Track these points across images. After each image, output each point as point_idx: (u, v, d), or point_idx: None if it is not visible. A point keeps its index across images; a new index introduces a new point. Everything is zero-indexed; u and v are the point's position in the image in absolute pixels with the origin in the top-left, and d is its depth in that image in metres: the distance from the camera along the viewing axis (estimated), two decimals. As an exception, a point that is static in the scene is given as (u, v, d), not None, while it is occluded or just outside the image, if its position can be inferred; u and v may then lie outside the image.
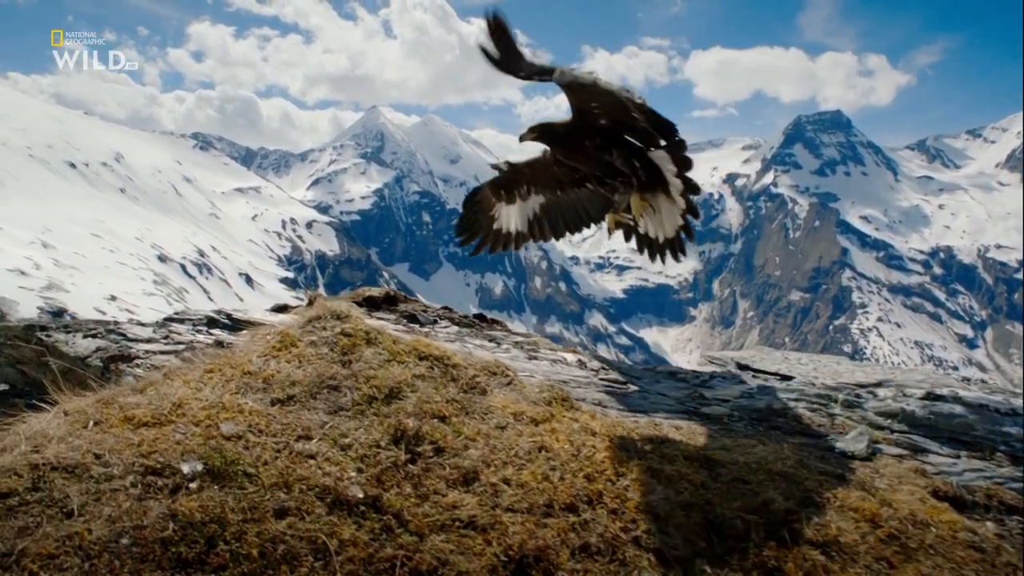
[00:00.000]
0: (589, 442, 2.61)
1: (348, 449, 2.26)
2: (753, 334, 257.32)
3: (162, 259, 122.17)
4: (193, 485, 1.92)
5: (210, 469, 1.99)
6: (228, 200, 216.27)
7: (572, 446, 2.55)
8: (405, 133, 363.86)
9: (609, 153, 3.86)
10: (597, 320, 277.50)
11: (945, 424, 3.64)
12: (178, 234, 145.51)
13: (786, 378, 4.70)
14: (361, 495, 2.04)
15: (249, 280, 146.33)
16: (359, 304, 4.77)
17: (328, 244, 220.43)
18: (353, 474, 2.14)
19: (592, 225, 4.57)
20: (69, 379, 2.97)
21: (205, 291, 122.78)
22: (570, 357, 4.52)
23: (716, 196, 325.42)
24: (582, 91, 3.47)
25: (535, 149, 4.26)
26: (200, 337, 4.28)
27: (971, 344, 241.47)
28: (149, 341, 4.28)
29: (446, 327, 4.85)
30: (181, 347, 4.13)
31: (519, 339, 4.81)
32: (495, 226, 4.83)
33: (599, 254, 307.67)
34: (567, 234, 4.74)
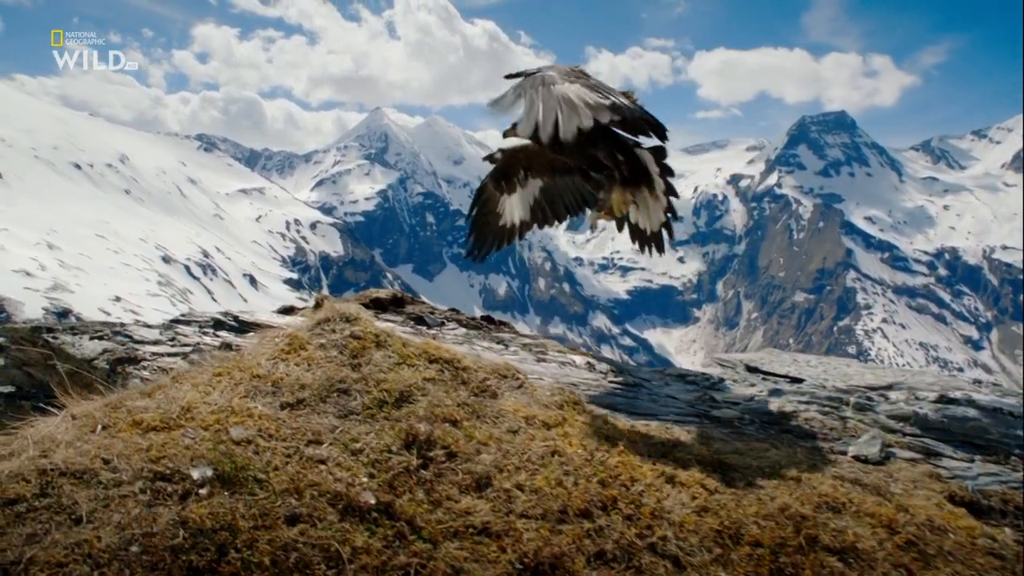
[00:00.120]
0: (602, 447, 2.57)
1: (359, 454, 2.23)
2: (757, 335, 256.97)
3: (166, 260, 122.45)
4: (203, 491, 1.89)
5: (220, 475, 1.96)
6: (232, 201, 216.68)
7: (585, 451, 2.52)
8: (409, 134, 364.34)
9: (594, 145, 3.83)
10: (601, 321, 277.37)
11: (958, 427, 3.60)
12: (182, 235, 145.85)
13: (796, 381, 4.66)
14: (373, 501, 2.00)
15: (253, 281, 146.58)
16: (366, 306, 4.75)
17: (332, 245, 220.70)
18: (365, 480, 2.11)
19: (591, 208, 4.51)
20: (75, 381, 2.95)
21: (209, 292, 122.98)
22: (579, 359, 4.48)
23: (720, 197, 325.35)
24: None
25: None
26: (207, 339, 4.26)
27: (976, 346, 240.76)
28: (155, 343, 4.26)
29: (453, 329, 4.83)
30: (188, 349, 4.11)
31: (527, 341, 4.78)
32: (500, 223, 4.80)
33: (603, 255, 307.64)
34: (568, 217, 4.67)
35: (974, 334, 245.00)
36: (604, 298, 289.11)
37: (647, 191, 3.95)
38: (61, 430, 2.13)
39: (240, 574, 1.71)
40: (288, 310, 5.03)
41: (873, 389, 4.41)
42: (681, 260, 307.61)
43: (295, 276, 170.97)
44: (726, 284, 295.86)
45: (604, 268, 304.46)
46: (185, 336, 4.34)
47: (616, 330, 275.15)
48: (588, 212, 4.42)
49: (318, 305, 4.67)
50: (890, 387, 4.55)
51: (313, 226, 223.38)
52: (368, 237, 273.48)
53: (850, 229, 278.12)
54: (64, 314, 67.60)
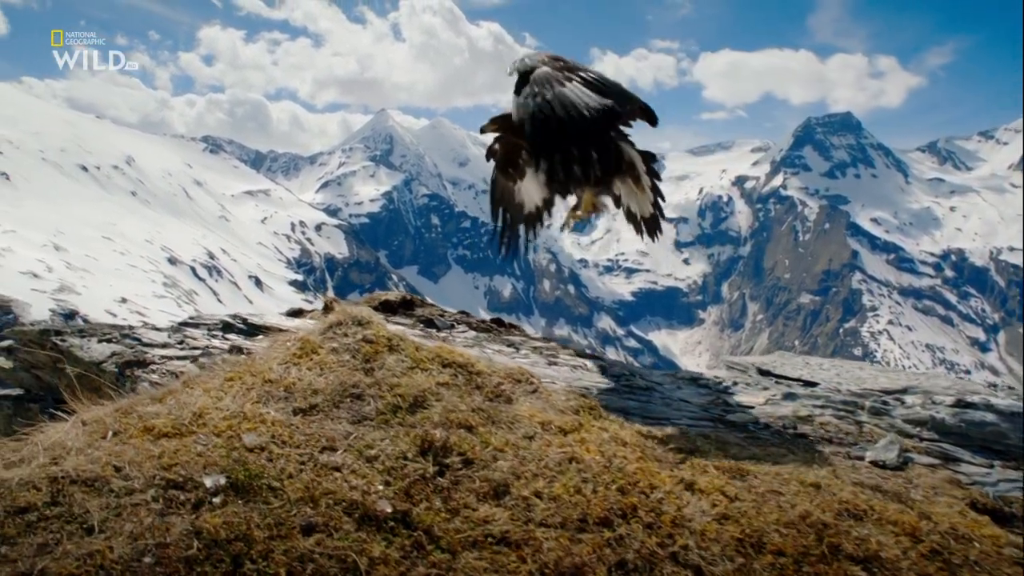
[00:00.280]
0: (620, 452, 2.53)
1: (374, 461, 2.19)
2: (762, 337, 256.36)
3: (172, 261, 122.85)
4: (216, 500, 1.85)
5: (233, 483, 1.92)
6: (238, 203, 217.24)
7: (603, 457, 2.47)
8: (414, 136, 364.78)
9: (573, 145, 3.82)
10: (606, 323, 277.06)
11: (976, 432, 3.55)
12: (188, 237, 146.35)
13: (810, 384, 4.61)
14: (390, 510, 1.96)
15: (258, 282, 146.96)
16: (375, 309, 4.71)
17: (337, 247, 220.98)
18: (380, 487, 2.06)
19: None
20: (84, 385, 2.92)
21: (215, 293, 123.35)
22: (590, 363, 4.44)
23: (725, 199, 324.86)
24: None
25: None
26: (216, 342, 4.23)
27: (983, 347, 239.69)
28: (164, 346, 4.23)
29: (464, 332, 4.79)
30: (197, 352, 4.08)
31: (538, 344, 4.74)
32: (525, 211, 4.72)
33: (608, 256, 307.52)
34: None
35: (981, 336, 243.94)
36: (609, 300, 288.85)
37: (632, 181, 3.93)
38: (71, 436, 2.10)
39: (256, 586, 1.67)
40: (297, 312, 5.00)
41: (888, 393, 4.36)
42: (686, 262, 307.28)
43: (300, 278, 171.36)
44: (731, 286, 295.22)
45: (609, 270, 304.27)
46: (194, 339, 4.31)
47: (621, 332, 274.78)
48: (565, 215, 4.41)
49: (327, 308, 4.63)
50: (905, 391, 4.50)
51: (318, 228, 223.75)
52: (373, 239, 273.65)
53: (856, 231, 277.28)
54: (71, 315, 67.86)
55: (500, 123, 3.99)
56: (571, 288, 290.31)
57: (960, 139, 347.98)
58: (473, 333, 4.78)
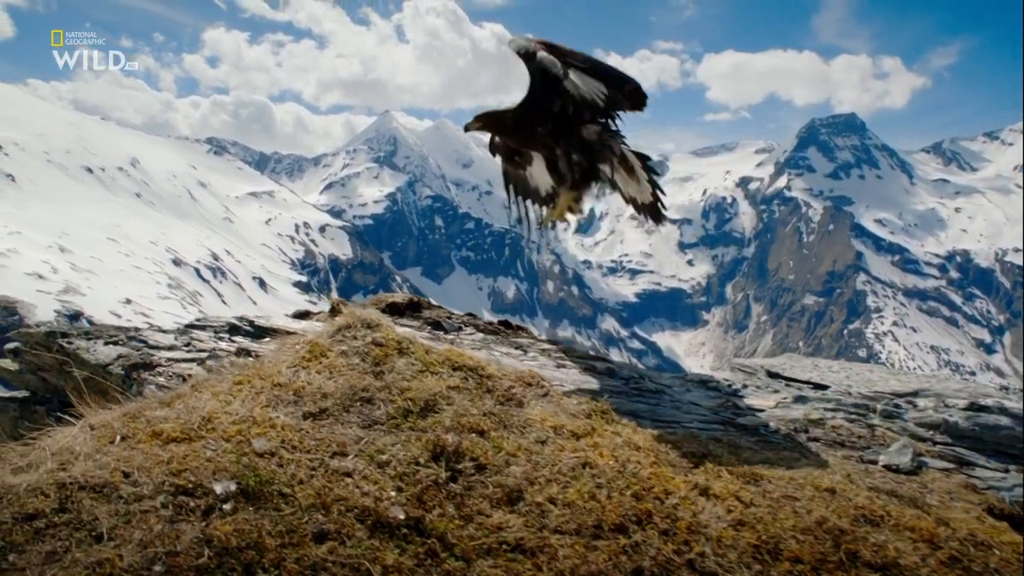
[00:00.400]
0: (634, 457, 2.50)
1: (386, 466, 2.16)
2: (766, 339, 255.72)
3: (177, 263, 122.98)
4: (227, 507, 1.82)
5: (244, 489, 1.89)
6: (242, 204, 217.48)
7: (617, 462, 2.44)
8: (418, 137, 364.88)
9: (557, 144, 3.79)
10: (609, 324, 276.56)
11: (990, 436, 3.52)
12: (192, 238, 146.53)
13: (820, 387, 4.57)
14: (403, 517, 1.93)
15: (263, 284, 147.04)
16: (382, 311, 4.68)
17: (341, 248, 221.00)
18: (393, 494, 2.03)
19: None
20: (90, 387, 2.89)
21: (219, 295, 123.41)
22: (599, 365, 4.40)
23: (729, 200, 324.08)
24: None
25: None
26: (222, 344, 4.20)
27: (989, 349, 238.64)
28: (171, 348, 4.21)
29: (471, 334, 4.75)
30: (204, 355, 4.05)
31: (546, 346, 4.70)
32: (542, 195, 4.72)
33: (611, 258, 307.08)
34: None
35: (986, 337, 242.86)
36: (613, 301, 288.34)
37: (625, 172, 3.92)
38: (79, 441, 2.07)
39: (268, 596, 1.64)
40: (303, 315, 4.97)
41: (899, 396, 4.33)
42: (690, 263, 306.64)
43: (304, 279, 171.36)
44: (735, 287, 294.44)
45: (613, 271, 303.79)
46: (200, 341, 4.29)
47: (625, 333, 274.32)
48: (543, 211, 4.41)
49: (334, 310, 4.61)
50: (916, 393, 4.47)
51: (322, 229, 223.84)
52: (377, 240, 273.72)
53: (860, 232, 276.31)
54: (75, 317, 68.00)
55: (485, 120, 3.99)
56: (575, 289, 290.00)
57: (965, 140, 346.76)
58: (481, 335, 4.74)
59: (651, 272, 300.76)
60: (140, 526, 1.71)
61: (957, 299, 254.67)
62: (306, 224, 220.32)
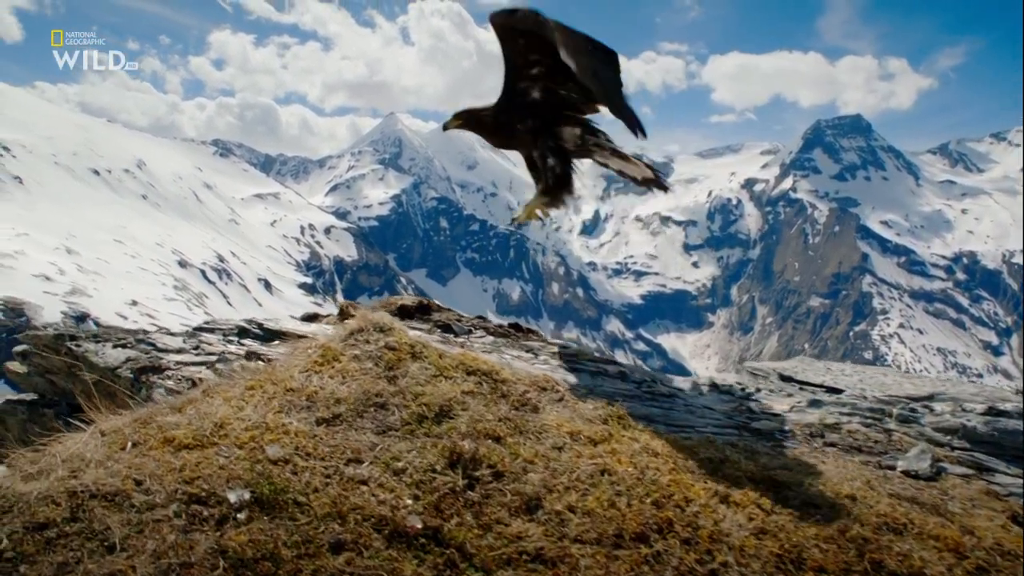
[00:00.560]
0: (652, 464, 2.45)
1: (402, 474, 2.11)
2: (772, 340, 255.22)
3: (182, 264, 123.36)
4: (241, 516, 1.78)
5: (258, 498, 1.85)
6: (247, 206, 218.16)
7: (636, 469, 2.39)
8: (423, 139, 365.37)
9: (535, 145, 3.74)
10: (614, 326, 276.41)
11: (1010, 441, 3.45)
12: (198, 240, 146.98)
13: (834, 391, 4.52)
14: (420, 526, 1.88)
15: (268, 285, 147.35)
16: (392, 314, 4.64)
17: (346, 249, 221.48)
18: (409, 502, 1.99)
19: None
20: (99, 390, 2.86)
21: (224, 296, 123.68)
22: (611, 368, 4.36)
23: (734, 202, 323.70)
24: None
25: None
26: (231, 348, 4.17)
27: (996, 351, 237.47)
28: (179, 352, 4.18)
29: (481, 337, 4.70)
30: (213, 358, 4.02)
31: (556, 349, 4.65)
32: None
33: (616, 259, 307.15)
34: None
35: (993, 339, 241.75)
36: (618, 303, 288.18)
37: (611, 154, 3.86)
38: (90, 448, 2.03)
39: (285, 609, 1.60)
40: (312, 317, 4.94)
41: (914, 400, 4.27)
42: (695, 265, 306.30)
43: (309, 280, 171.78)
44: (741, 289, 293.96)
45: (618, 273, 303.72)
46: (209, 344, 4.25)
47: (630, 335, 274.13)
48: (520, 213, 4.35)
49: (343, 313, 4.57)
50: (931, 397, 4.41)
51: (327, 231, 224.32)
52: (382, 242, 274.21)
53: (866, 233, 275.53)
54: (82, 318, 68.29)
55: (464, 118, 3.94)
56: (580, 291, 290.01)
57: (972, 141, 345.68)
58: (491, 338, 4.70)
59: (656, 274, 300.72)
60: (153, 536, 1.67)
61: (964, 301, 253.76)
62: (311, 226, 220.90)
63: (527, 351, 4.47)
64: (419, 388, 2.60)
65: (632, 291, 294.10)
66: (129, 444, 2.07)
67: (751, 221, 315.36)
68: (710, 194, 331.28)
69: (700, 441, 2.93)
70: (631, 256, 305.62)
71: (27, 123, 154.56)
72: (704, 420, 3.56)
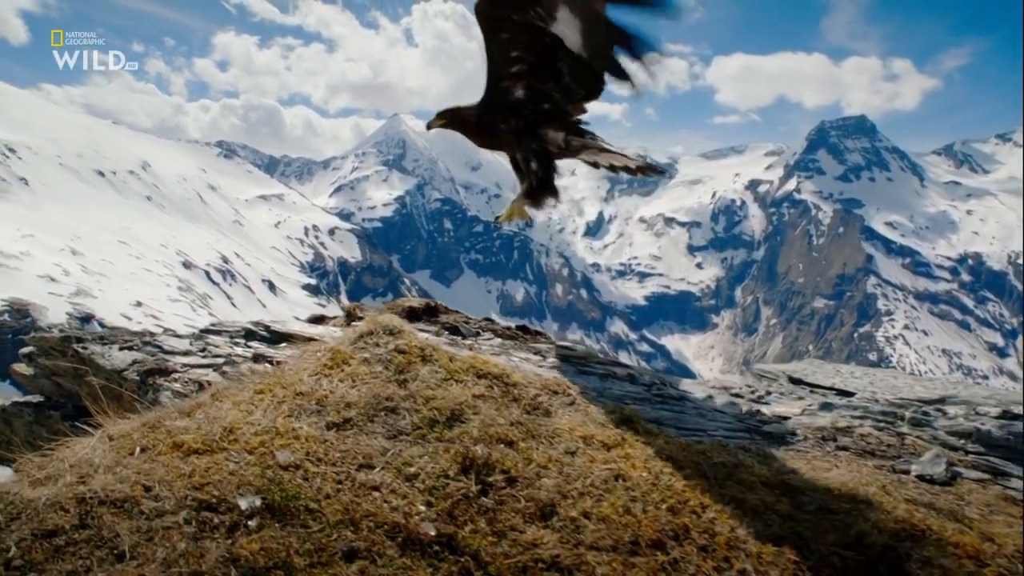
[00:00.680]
0: (667, 469, 2.41)
1: (414, 480, 2.07)
2: (776, 342, 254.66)
3: (187, 265, 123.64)
4: (252, 523, 1.75)
5: (269, 504, 1.82)
6: (251, 207, 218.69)
7: (650, 474, 2.35)
8: (427, 140, 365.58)
9: (519, 147, 3.70)
10: (618, 327, 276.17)
11: (1025, 446, 3.41)
12: (202, 241, 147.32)
13: (845, 394, 4.48)
14: (434, 533, 1.85)
15: (272, 286, 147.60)
16: (399, 316, 4.61)
17: (350, 251, 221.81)
18: (423, 508, 1.95)
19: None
20: (105, 392, 2.84)
21: (229, 297, 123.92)
22: (619, 371, 4.32)
23: (738, 203, 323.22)
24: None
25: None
26: (238, 350, 4.14)
27: (1002, 353, 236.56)
28: (186, 354, 4.16)
29: (489, 340, 4.67)
30: (220, 360, 4.00)
31: (565, 352, 4.62)
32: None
33: (620, 261, 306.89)
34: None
35: (999, 341, 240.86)
36: (622, 304, 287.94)
37: (598, 151, 3.81)
38: (98, 453, 2.00)
39: (298, 620, 1.57)
40: (319, 319, 4.91)
41: (926, 403, 4.23)
42: (699, 266, 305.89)
43: (313, 282, 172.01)
44: (745, 290, 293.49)
45: (622, 274, 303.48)
46: (216, 347, 4.23)
47: (634, 336, 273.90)
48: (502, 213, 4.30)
49: (349, 315, 4.54)
50: (943, 400, 4.37)
51: (331, 232, 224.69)
52: (386, 243, 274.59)
53: (871, 235, 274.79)
54: (87, 319, 68.48)
55: (448, 117, 3.91)
56: (583, 292, 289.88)
57: (977, 142, 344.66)
58: (499, 341, 4.66)
59: (660, 275, 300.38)
60: (163, 544, 1.64)
61: (969, 302, 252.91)
62: (315, 227, 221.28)
63: (535, 353, 4.44)
64: (430, 392, 2.56)
65: (636, 292, 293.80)
66: (137, 449, 2.05)
67: (755, 222, 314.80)
68: (714, 195, 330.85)
69: (712, 445, 2.90)
70: (635, 257, 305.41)
71: (32, 125, 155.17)
72: (715, 423, 3.52)
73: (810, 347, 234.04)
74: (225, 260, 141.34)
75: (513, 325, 5.11)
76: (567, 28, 3.11)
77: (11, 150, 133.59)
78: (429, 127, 3.97)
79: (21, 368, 4.69)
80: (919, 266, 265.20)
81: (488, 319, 5.13)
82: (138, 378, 3.92)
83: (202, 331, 4.57)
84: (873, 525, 2.26)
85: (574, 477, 2.25)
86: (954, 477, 2.90)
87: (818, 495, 2.46)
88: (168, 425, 2.19)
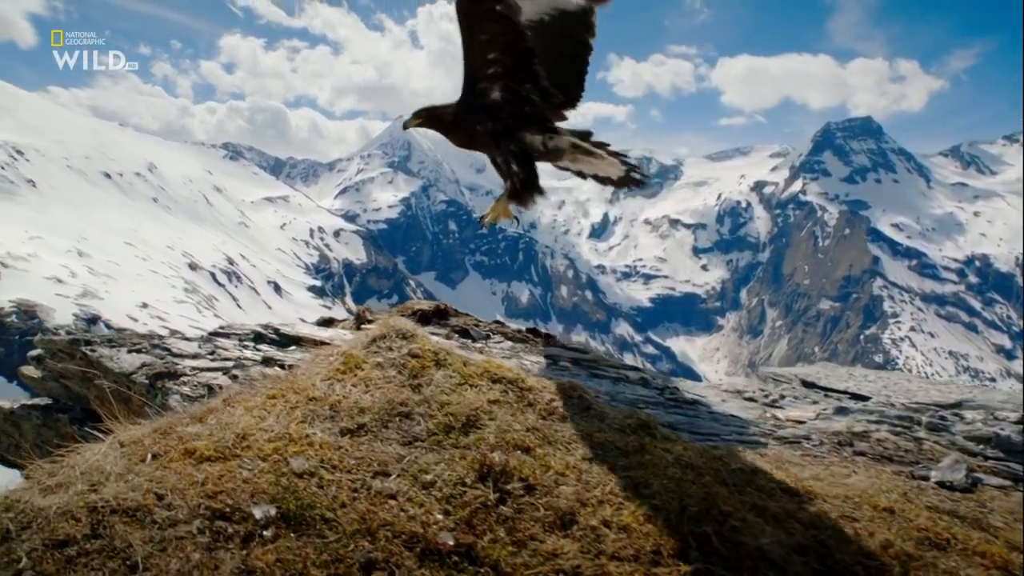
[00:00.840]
0: (687, 476, 2.36)
1: (431, 487, 2.03)
2: (781, 344, 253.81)
3: (192, 267, 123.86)
4: (267, 533, 1.70)
5: (284, 513, 1.78)
6: (257, 209, 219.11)
7: (670, 480, 2.30)
8: (432, 142, 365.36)
9: (496, 148, 3.68)
10: (623, 329, 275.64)
11: (1046, 452, 3.35)
12: (208, 243, 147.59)
13: (860, 397, 4.42)
14: (452, 543, 1.80)
15: (277, 288, 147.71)
16: (410, 319, 4.57)
17: (355, 252, 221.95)
18: (440, 517, 1.91)
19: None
20: (113, 395, 2.81)
21: (234, 299, 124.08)
22: (632, 375, 4.28)
23: (744, 204, 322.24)
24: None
25: None
26: (247, 353, 4.11)
27: (1009, 355, 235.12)
28: (195, 357, 4.13)
29: (499, 343, 4.63)
30: (229, 364, 3.96)
31: (576, 355, 4.57)
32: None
33: (625, 262, 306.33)
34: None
35: (1007, 343, 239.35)
36: (627, 306, 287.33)
37: (583, 155, 3.83)
38: (110, 460, 1.97)
39: (316, 634, 1.52)
40: (328, 322, 4.88)
41: (942, 407, 4.17)
42: (704, 268, 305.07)
43: (319, 283, 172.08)
44: (750, 292, 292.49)
45: (627, 276, 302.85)
46: (225, 350, 4.20)
47: (639, 338, 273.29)
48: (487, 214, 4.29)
49: (359, 318, 4.51)
50: (959, 405, 4.31)
51: (337, 234, 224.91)
52: (391, 245, 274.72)
53: (877, 236, 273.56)
54: (93, 320, 68.65)
55: (425, 116, 3.88)
56: (588, 294, 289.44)
57: (984, 143, 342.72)
58: (509, 344, 4.62)
59: (665, 277, 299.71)
60: (176, 554, 1.60)
61: (976, 304, 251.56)
62: (321, 229, 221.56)
63: (547, 357, 4.40)
64: (444, 397, 2.52)
65: (641, 294, 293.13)
66: (149, 456, 2.01)
67: (760, 224, 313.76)
68: (719, 197, 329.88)
69: (729, 450, 2.85)
70: (640, 259, 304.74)
71: (40, 127, 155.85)
72: (729, 428, 3.48)
73: (816, 349, 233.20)
74: (231, 262, 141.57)
75: (523, 328, 5.07)
76: None
77: (19, 152, 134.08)
78: (406, 126, 3.96)
79: (29, 371, 4.67)
80: (926, 268, 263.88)
81: (498, 322, 5.10)
82: (147, 381, 3.90)
83: (211, 334, 4.54)
84: (896, 533, 2.22)
85: (593, 485, 2.20)
86: (975, 483, 2.84)
87: (838, 502, 2.42)
88: (180, 431, 2.15)
